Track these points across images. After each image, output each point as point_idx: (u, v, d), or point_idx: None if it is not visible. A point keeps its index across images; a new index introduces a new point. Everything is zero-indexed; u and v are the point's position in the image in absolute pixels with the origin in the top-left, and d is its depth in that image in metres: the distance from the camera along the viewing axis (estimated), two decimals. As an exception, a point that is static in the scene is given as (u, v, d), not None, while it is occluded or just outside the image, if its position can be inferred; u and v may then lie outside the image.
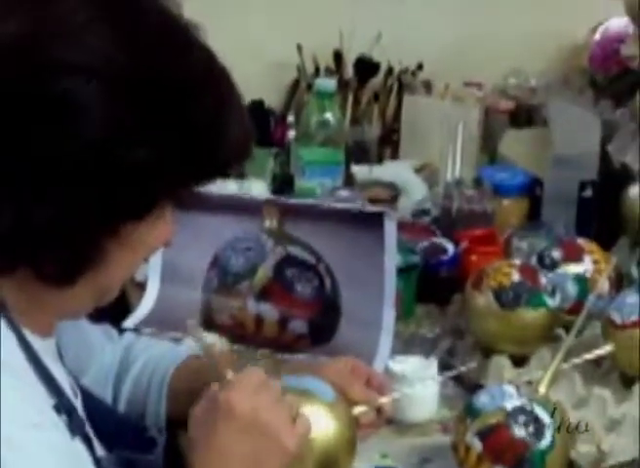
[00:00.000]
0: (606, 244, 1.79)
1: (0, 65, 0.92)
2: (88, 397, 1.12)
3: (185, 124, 0.96)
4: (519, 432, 1.23)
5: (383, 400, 1.29)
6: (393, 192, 1.99)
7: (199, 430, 1.09)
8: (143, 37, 0.95)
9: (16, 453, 0.90)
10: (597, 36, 2.13)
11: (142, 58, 0.94)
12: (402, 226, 1.80)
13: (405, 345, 1.60)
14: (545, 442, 1.23)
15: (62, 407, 0.99)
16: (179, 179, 0.99)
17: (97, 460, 1.02)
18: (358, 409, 1.25)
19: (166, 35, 0.97)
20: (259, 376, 1.12)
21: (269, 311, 1.64)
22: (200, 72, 0.97)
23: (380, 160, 2.18)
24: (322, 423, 1.21)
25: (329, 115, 2.02)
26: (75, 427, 1.00)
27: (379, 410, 1.29)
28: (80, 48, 0.93)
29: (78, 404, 1.07)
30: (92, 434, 1.04)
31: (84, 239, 0.95)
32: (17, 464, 0.89)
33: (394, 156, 2.20)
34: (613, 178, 1.87)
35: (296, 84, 2.25)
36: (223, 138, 0.99)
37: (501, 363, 1.49)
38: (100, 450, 1.04)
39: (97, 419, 1.07)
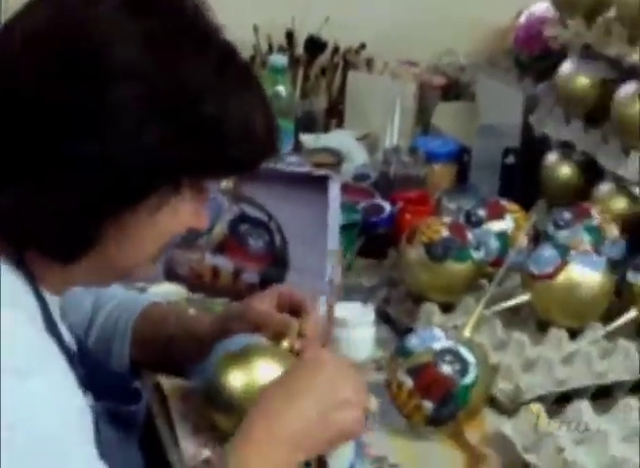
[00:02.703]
0: (526, 205, 1.79)
1: (28, 53, 0.90)
2: (82, 349, 1.09)
3: (185, 120, 0.92)
4: (446, 370, 1.23)
5: (296, 323, 1.24)
6: (337, 158, 1.97)
7: (277, 382, 1.05)
8: (159, 37, 0.92)
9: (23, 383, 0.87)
10: (522, 19, 2.11)
11: (153, 55, 0.91)
12: (345, 188, 1.79)
13: (346, 294, 1.58)
14: (469, 379, 1.23)
15: (65, 357, 0.96)
16: (177, 171, 0.94)
17: None
18: (286, 341, 1.23)
19: (180, 36, 0.93)
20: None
21: (225, 263, 1.62)
22: (209, 74, 0.93)
23: (326, 129, 2.16)
24: (272, 370, 1.19)
25: (281, 88, 1.99)
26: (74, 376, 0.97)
27: (300, 334, 1.24)
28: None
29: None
30: (83, 384, 1.01)
31: (82, 223, 0.92)
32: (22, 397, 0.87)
33: (339, 126, 2.18)
34: (533, 147, 1.87)
35: (252, 61, 2.22)
36: (230, 135, 0.95)
37: (431, 309, 1.49)
38: (88, 401, 1.01)
39: (88, 371, 1.04)
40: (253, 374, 1.19)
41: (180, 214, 0.99)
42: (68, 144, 0.89)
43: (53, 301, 1.00)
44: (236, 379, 1.19)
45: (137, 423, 1.08)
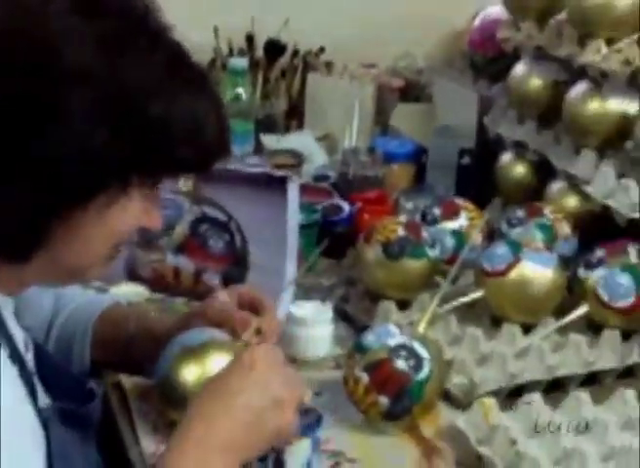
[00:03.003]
0: (482, 204, 1.80)
1: None
2: (39, 350, 1.07)
3: (133, 121, 0.91)
4: (401, 365, 1.23)
5: (255, 320, 1.26)
6: (298, 159, 1.98)
7: (213, 381, 1.03)
8: (109, 38, 0.91)
9: None
10: (477, 22, 2.12)
11: (103, 56, 0.90)
12: (305, 189, 1.79)
13: (306, 293, 1.59)
14: (423, 374, 1.23)
15: (15, 358, 0.96)
16: (125, 171, 0.94)
17: (38, 410, 0.98)
18: (244, 336, 1.24)
19: (130, 37, 0.93)
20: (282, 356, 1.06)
21: (186, 264, 1.62)
22: (158, 75, 0.93)
23: (286, 131, 2.16)
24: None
25: (241, 91, 2.00)
26: (24, 379, 0.97)
27: (259, 331, 1.26)
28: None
29: (29, 356, 1.02)
30: (38, 385, 1.00)
31: (31, 222, 0.91)
32: None
33: (299, 127, 2.18)
34: (488, 147, 1.88)
35: (212, 64, 2.22)
36: (178, 136, 0.94)
37: (388, 307, 1.49)
38: (43, 401, 1.00)
39: (45, 372, 1.03)
40: (207, 369, 1.19)
41: (130, 213, 0.98)
42: (19, 143, 0.88)
43: (4, 302, 0.99)
44: (191, 374, 1.20)
45: (92, 423, 1.07)
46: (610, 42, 1.60)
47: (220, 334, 1.24)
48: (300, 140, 2.06)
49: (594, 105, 1.62)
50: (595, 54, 1.61)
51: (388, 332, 1.27)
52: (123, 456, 1.24)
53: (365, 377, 1.24)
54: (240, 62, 2.03)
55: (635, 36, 1.59)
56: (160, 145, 0.94)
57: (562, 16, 1.72)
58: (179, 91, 0.95)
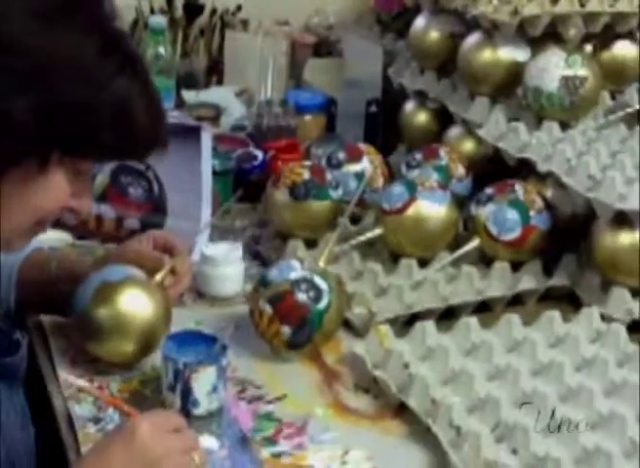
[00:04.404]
0: (388, 150, 1.81)
1: None
2: None
3: (57, 98, 0.88)
4: (301, 297, 1.24)
5: (169, 260, 1.27)
6: (216, 112, 1.97)
7: (97, 445, 0.99)
8: (46, 14, 0.88)
9: None
10: (383, -19, 2.12)
11: (37, 30, 0.87)
12: (222, 139, 1.79)
13: (221, 236, 1.58)
14: (323, 304, 1.24)
15: None
16: (42, 147, 0.90)
17: None
18: (158, 275, 1.25)
19: (68, 15, 0.89)
20: (176, 422, 1.01)
21: (108, 211, 1.60)
22: (91, 56, 0.89)
23: (207, 87, 2.14)
24: (141, 301, 1.21)
25: (161, 49, 1.97)
26: None
27: (173, 271, 1.27)
28: None
29: None
30: None
31: None
32: None
33: (219, 83, 2.16)
34: (393, 97, 1.88)
35: (135, 24, 2.19)
36: (102, 119, 0.90)
37: (296, 245, 1.49)
38: None
39: None
40: (123, 304, 1.20)
41: (52, 193, 0.94)
42: None
43: None
44: (108, 308, 1.19)
45: (19, 373, 1.05)
46: (500, -6, 1.61)
47: (137, 272, 1.24)
48: (218, 94, 2.05)
49: (486, 55, 1.63)
50: (487, 5, 1.62)
51: (290, 267, 1.27)
52: (46, 393, 1.23)
53: (269, 309, 1.24)
54: (159, 20, 2.00)
55: (523, -12, 1.60)
56: (82, 128, 0.90)
57: (457, -29, 1.72)
58: (109, 76, 0.91)
